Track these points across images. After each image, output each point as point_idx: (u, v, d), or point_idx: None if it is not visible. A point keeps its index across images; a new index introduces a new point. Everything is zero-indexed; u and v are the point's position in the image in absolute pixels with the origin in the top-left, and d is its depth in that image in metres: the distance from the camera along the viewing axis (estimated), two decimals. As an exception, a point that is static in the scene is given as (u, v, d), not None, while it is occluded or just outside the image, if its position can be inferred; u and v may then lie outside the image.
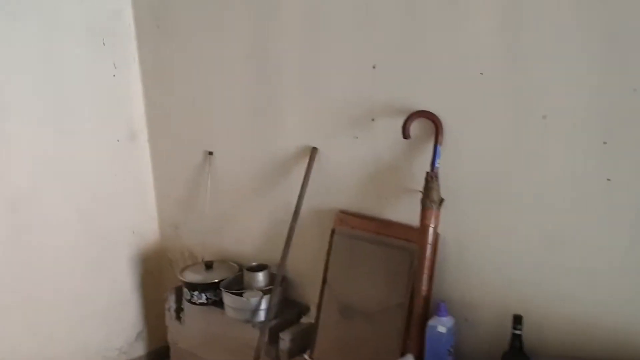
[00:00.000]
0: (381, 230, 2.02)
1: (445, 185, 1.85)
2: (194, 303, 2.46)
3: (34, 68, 2.42)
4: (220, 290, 2.41)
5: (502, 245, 1.80)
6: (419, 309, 1.85)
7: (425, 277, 1.85)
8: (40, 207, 2.51)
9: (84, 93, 2.60)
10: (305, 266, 2.34)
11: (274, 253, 2.44)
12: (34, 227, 2.50)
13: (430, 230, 1.84)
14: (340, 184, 2.16)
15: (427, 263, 1.85)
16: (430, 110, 1.84)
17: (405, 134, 1.85)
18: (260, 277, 2.37)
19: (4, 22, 2.31)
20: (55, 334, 2.63)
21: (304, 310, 2.38)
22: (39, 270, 2.54)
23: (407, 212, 1.98)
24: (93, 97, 2.64)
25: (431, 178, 1.83)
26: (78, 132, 2.60)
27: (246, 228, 2.56)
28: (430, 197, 1.83)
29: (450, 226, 1.88)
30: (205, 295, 2.44)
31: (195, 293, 2.44)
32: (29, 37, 2.39)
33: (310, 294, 2.36)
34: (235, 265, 2.58)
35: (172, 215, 2.91)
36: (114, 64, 2.70)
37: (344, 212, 2.15)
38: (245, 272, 2.40)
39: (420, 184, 1.89)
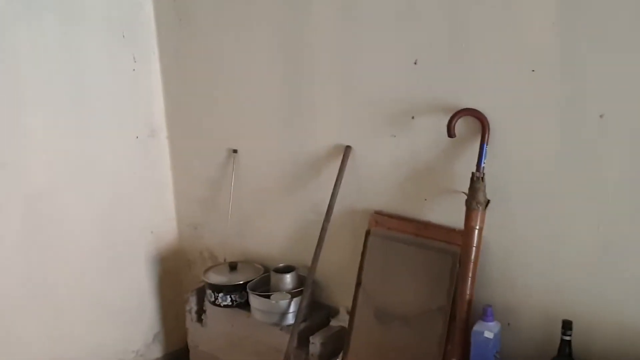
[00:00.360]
0: (420, 232, 1.96)
1: (491, 186, 1.78)
2: (219, 305, 2.39)
3: (52, 60, 2.33)
4: (246, 292, 2.35)
5: (550, 249, 1.74)
6: (462, 313, 1.79)
7: (469, 280, 1.79)
8: (57, 205, 2.43)
9: (103, 87, 2.52)
10: (335, 268, 2.27)
11: (300, 254, 2.38)
12: (51, 226, 2.42)
13: (476, 232, 1.77)
14: (375, 184, 2.10)
15: (471, 266, 1.78)
16: (477, 108, 1.78)
17: (451, 133, 1.79)
18: (288, 279, 2.31)
19: (23, 13, 2.23)
20: (71, 335, 2.54)
21: (332, 313, 2.32)
22: (55, 271, 2.46)
23: (447, 214, 1.92)
24: (112, 92, 2.56)
25: (477, 178, 1.77)
26: (96, 128, 2.52)
27: (271, 228, 2.49)
28: (476, 198, 1.77)
29: (495, 228, 1.82)
30: (231, 297, 2.37)
31: (220, 295, 2.37)
32: (48, 29, 2.31)
33: (339, 296, 2.30)
34: (260, 266, 2.50)
35: (191, 214, 2.83)
36: (134, 58, 2.62)
37: (379, 213, 2.08)
38: (272, 274, 2.34)
39: (462, 185, 1.84)
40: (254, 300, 2.28)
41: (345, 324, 2.22)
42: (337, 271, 2.27)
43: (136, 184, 2.72)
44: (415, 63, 1.91)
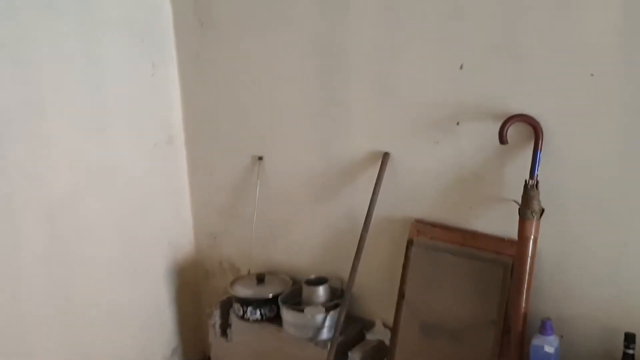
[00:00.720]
0: (467, 241, 1.89)
1: (544, 194, 1.72)
2: (247, 320, 2.30)
3: (73, 67, 2.24)
4: (276, 305, 2.26)
5: (610, 258, 1.68)
6: (517, 327, 1.73)
7: (524, 292, 1.72)
8: (77, 216, 2.32)
9: (122, 94, 2.42)
10: (370, 279, 2.19)
11: (331, 264, 2.31)
12: (71, 238, 2.31)
13: (531, 242, 1.71)
14: (415, 192, 2.03)
15: (526, 277, 1.72)
16: (528, 114, 1.72)
17: (503, 139, 1.72)
18: (321, 291, 2.22)
19: (44, 19, 2.13)
20: (89, 350, 2.42)
21: (367, 326, 2.24)
22: (74, 284, 2.35)
23: (496, 222, 1.86)
24: (131, 98, 2.46)
25: (531, 186, 1.71)
26: (116, 136, 2.42)
27: (300, 238, 2.40)
28: (530, 206, 1.70)
29: (548, 237, 1.75)
30: (260, 311, 2.27)
31: (249, 309, 2.28)
32: (69, 34, 2.21)
33: (375, 308, 2.22)
34: (288, 278, 2.41)
35: (210, 224, 2.73)
36: (153, 63, 2.52)
37: (420, 222, 2.01)
38: (305, 286, 2.25)
39: (512, 193, 1.78)
40: (287, 315, 2.19)
41: (383, 337, 2.15)
42: (373, 282, 2.19)
43: (154, 192, 2.62)
44: (461, 68, 1.84)
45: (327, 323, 2.14)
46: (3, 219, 2.11)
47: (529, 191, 1.71)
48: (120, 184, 2.46)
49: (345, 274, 2.20)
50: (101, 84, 2.34)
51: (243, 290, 2.33)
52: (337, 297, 2.21)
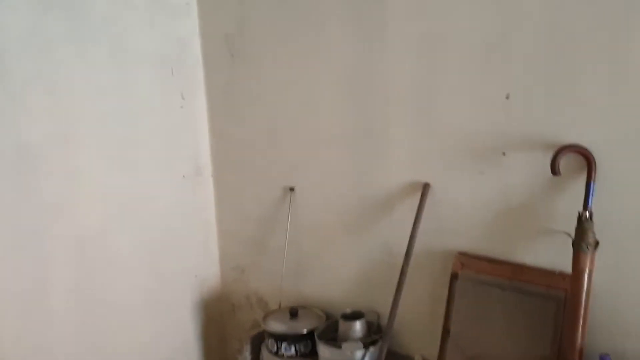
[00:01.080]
0: (515, 275, 1.84)
1: (598, 226, 1.67)
2: (281, 356, 2.23)
3: (104, 99, 2.24)
4: (310, 341, 2.20)
5: (668, 292, 1.63)
6: (573, 363, 1.67)
7: (580, 327, 1.67)
8: (106, 248, 2.30)
9: (152, 126, 2.42)
10: (409, 313, 2.13)
11: (366, 298, 2.26)
12: (101, 273, 2.29)
13: (586, 275, 1.66)
14: (457, 223, 1.98)
15: (582, 312, 1.66)
16: (580, 144, 1.69)
17: (555, 170, 1.69)
18: (358, 326, 2.15)
19: (78, 52, 2.14)
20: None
21: (405, 362, 2.17)
22: (104, 319, 2.31)
23: (545, 255, 1.81)
24: (161, 130, 2.45)
25: (586, 219, 1.66)
26: (145, 168, 2.41)
27: (334, 271, 2.35)
28: (585, 239, 1.66)
29: (603, 270, 1.70)
30: (295, 347, 2.21)
31: (284, 345, 2.21)
32: (101, 67, 2.22)
33: (413, 343, 2.16)
34: (321, 312, 2.35)
35: (237, 257, 2.68)
36: (182, 95, 2.51)
37: (464, 255, 1.96)
38: (341, 321, 2.18)
39: (563, 225, 1.74)
40: (324, 351, 2.12)
41: (423, 373, 2.08)
42: (412, 317, 2.13)
43: (181, 224, 2.59)
44: (507, 97, 1.81)
45: (365, 359, 2.07)
46: (34, 252, 2.08)
47: (584, 223, 1.67)
48: (148, 216, 2.43)
49: (381, 307, 2.15)
50: (131, 116, 2.33)
51: (277, 325, 2.27)
52: (374, 332, 2.16)
